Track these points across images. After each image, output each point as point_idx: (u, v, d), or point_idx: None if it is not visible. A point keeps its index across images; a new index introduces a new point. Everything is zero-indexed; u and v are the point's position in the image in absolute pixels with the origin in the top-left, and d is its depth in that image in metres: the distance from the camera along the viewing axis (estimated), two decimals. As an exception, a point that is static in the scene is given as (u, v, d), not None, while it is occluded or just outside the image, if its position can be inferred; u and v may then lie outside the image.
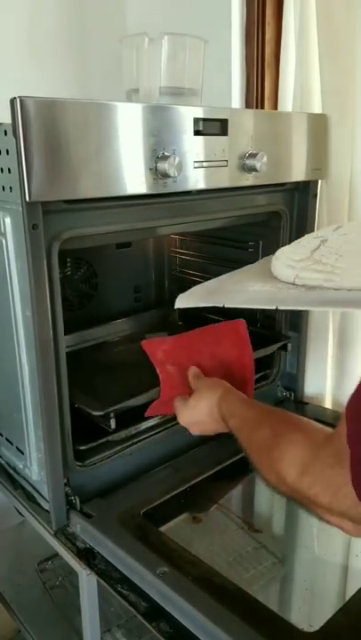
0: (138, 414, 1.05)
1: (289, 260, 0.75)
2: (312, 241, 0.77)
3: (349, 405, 0.59)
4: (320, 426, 0.71)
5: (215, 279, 0.94)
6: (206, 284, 0.93)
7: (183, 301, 0.87)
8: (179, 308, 0.87)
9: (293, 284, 0.73)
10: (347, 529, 0.64)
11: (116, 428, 0.98)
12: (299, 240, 0.81)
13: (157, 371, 0.98)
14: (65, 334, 0.87)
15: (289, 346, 1.24)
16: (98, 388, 1.06)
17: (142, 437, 1.04)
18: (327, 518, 0.63)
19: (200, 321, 1.11)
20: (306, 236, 0.81)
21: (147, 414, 1.00)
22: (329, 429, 0.66)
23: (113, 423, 0.94)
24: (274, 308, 0.71)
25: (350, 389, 1.43)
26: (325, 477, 0.60)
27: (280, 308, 0.71)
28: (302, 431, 0.68)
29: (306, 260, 0.73)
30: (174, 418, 0.97)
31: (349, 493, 0.55)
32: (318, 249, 0.74)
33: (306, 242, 0.78)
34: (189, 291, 0.91)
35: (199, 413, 0.90)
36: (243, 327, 1.04)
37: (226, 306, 0.77)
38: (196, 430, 0.93)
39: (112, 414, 0.93)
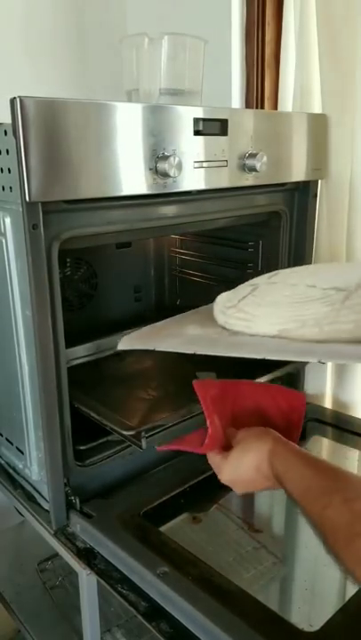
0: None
1: (222, 307, 0.82)
2: (246, 288, 0.84)
3: None
4: None
5: (165, 320, 0.96)
6: (153, 325, 0.94)
7: (125, 343, 0.87)
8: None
9: (225, 328, 0.79)
10: None
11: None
12: (238, 287, 0.87)
13: (207, 421, 0.85)
14: (83, 343, 0.86)
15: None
16: (119, 402, 1.05)
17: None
18: None
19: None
20: (245, 283, 0.88)
21: (161, 448, 0.88)
22: None
23: (145, 443, 0.89)
24: (192, 352, 0.74)
25: (350, 389, 1.43)
26: None
27: (197, 352, 0.73)
28: None
29: (232, 308, 0.80)
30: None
31: None
32: (246, 297, 0.81)
33: (241, 289, 0.85)
34: (136, 332, 0.91)
35: (245, 470, 0.75)
36: (303, 404, 0.90)
37: (156, 350, 0.79)
38: (240, 489, 0.79)
39: (144, 433, 0.90)
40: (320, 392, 1.32)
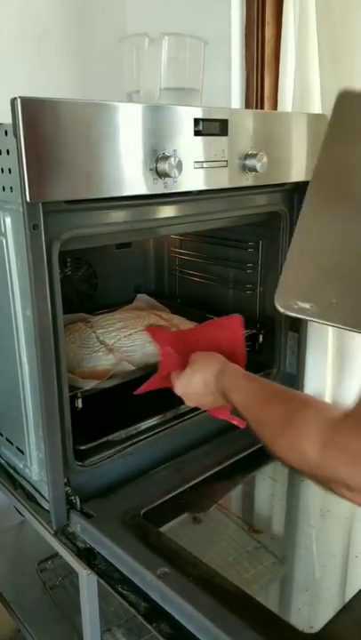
0: (137, 414, 1.05)
1: None
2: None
3: None
4: (327, 402, 0.71)
5: None
6: None
7: None
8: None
9: None
10: None
11: (115, 428, 1.00)
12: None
13: (159, 351, 1.03)
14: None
15: (260, 337, 1.27)
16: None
17: (142, 437, 1.04)
18: (351, 497, 0.63)
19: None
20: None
21: (138, 392, 1.00)
22: (341, 406, 0.64)
23: (80, 403, 0.96)
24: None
25: (350, 388, 1.44)
26: (351, 449, 0.56)
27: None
28: (316, 407, 0.66)
29: None
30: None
31: None
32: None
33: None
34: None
35: (194, 385, 0.90)
36: (239, 322, 1.06)
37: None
38: (191, 402, 0.93)
39: (79, 394, 0.96)
40: (320, 392, 1.32)
